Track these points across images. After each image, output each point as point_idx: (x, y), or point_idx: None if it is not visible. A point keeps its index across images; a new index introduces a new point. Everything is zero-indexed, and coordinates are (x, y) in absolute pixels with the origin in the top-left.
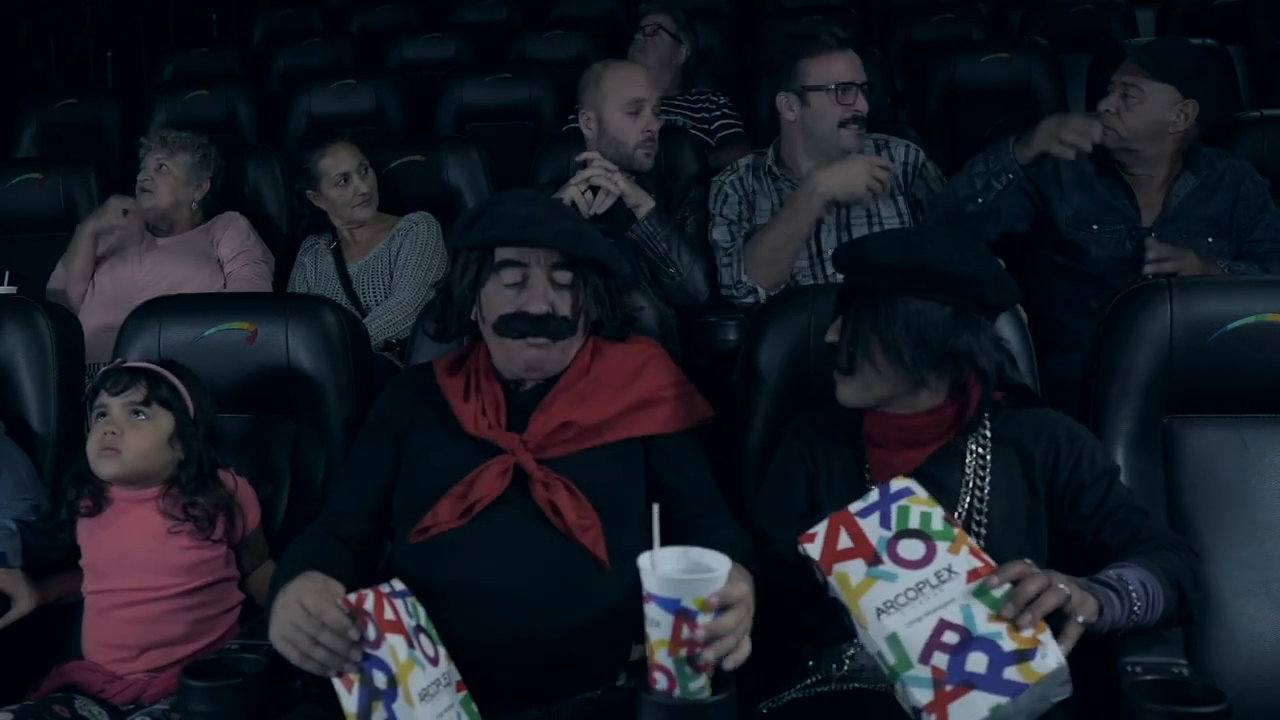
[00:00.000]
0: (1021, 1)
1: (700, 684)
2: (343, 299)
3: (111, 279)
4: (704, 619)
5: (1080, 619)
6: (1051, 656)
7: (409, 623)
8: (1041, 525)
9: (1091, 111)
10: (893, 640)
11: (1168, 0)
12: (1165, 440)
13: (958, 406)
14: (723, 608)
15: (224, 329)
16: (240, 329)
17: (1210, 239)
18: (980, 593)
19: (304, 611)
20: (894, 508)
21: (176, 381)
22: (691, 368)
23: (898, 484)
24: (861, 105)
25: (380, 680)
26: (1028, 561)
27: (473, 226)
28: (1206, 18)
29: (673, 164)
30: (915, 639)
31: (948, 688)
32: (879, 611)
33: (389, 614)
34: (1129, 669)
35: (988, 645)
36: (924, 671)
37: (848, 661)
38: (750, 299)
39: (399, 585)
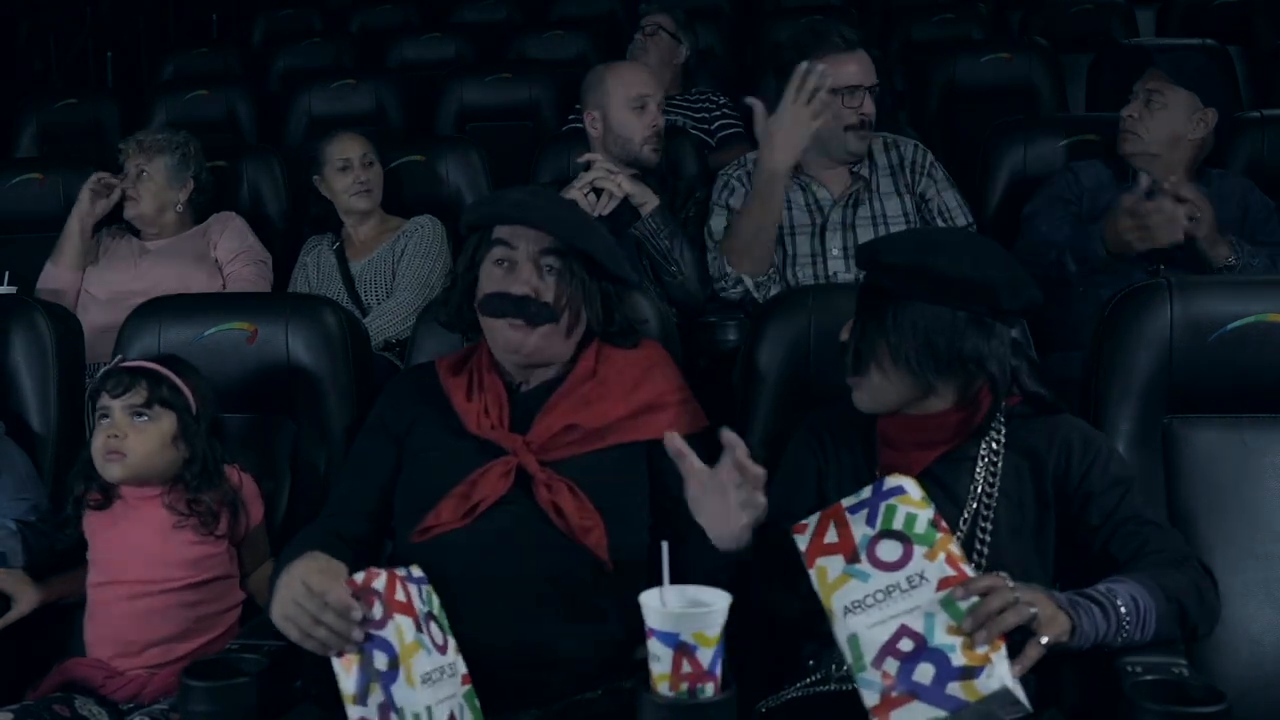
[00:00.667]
0: (1021, 1)
1: None
2: (344, 299)
3: (106, 283)
4: (703, 653)
5: (1044, 640)
6: (996, 678)
7: (420, 608)
8: (1049, 533)
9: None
10: (853, 640)
11: (1168, 0)
12: (1165, 440)
13: (968, 411)
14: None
15: (224, 329)
16: (240, 329)
17: None
18: (946, 603)
19: (307, 590)
20: (882, 506)
21: (177, 380)
22: (691, 368)
23: (891, 481)
24: (868, 109)
25: (381, 662)
26: (1002, 575)
27: (475, 209)
28: (1206, 18)
29: (673, 164)
30: (873, 641)
31: (893, 694)
32: (846, 610)
33: (400, 595)
34: (1129, 669)
35: (939, 657)
36: (875, 675)
37: (844, 668)
38: (738, 289)
39: (417, 572)
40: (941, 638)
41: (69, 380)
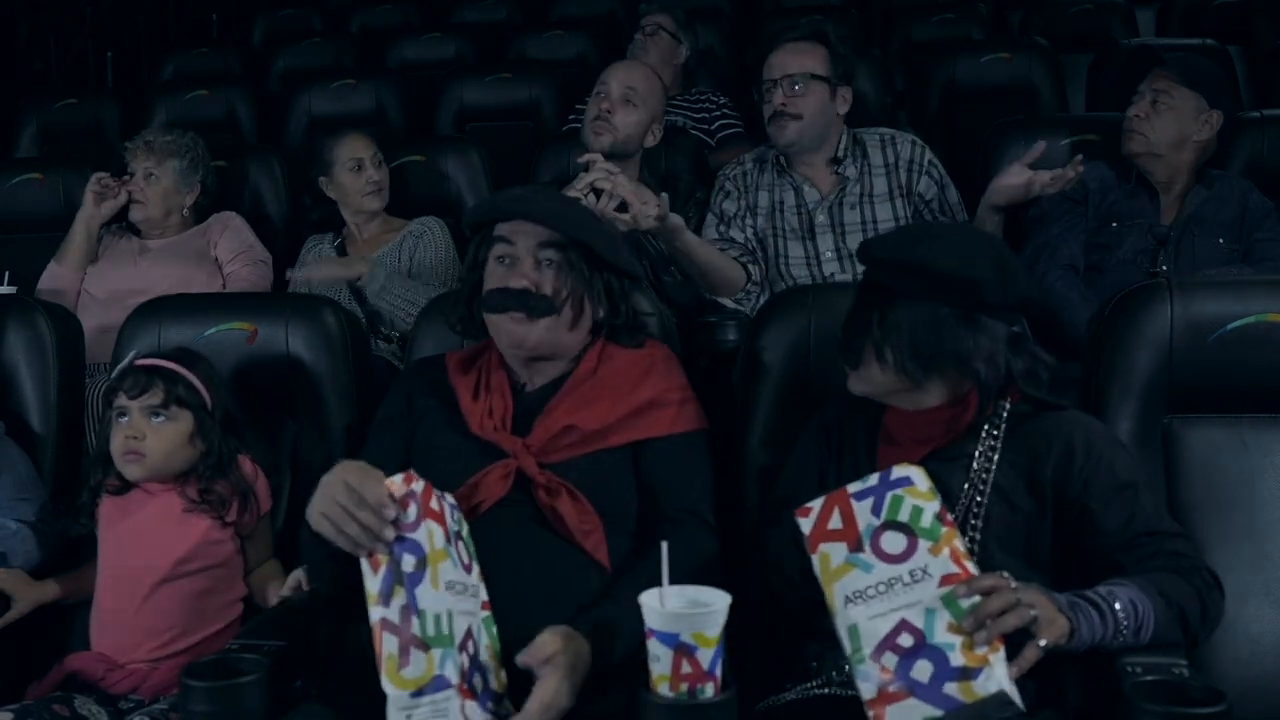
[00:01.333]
0: (1021, 1)
1: None
2: (345, 298)
3: (106, 282)
4: (702, 653)
5: (1042, 642)
6: (994, 680)
7: (451, 526)
8: (1044, 536)
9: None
10: (853, 631)
11: (1168, 0)
12: (1165, 440)
13: (961, 408)
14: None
15: (224, 329)
16: (240, 329)
17: (1221, 240)
18: (948, 600)
19: (346, 487)
20: (888, 496)
21: (192, 378)
22: (691, 368)
23: (899, 471)
24: (779, 99)
25: (409, 564)
26: (1005, 575)
27: (475, 208)
28: (1206, 18)
29: (673, 164)
30: (873, 633)
31: (890, 688)
32: (848, 600)
33: (434, 505)
34: (1129, 669)
35: (937, 655)
36: (873, 668)
37: (845, 669)
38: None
39: (450, 498)
40: (941, 635)
41: (69, 380)
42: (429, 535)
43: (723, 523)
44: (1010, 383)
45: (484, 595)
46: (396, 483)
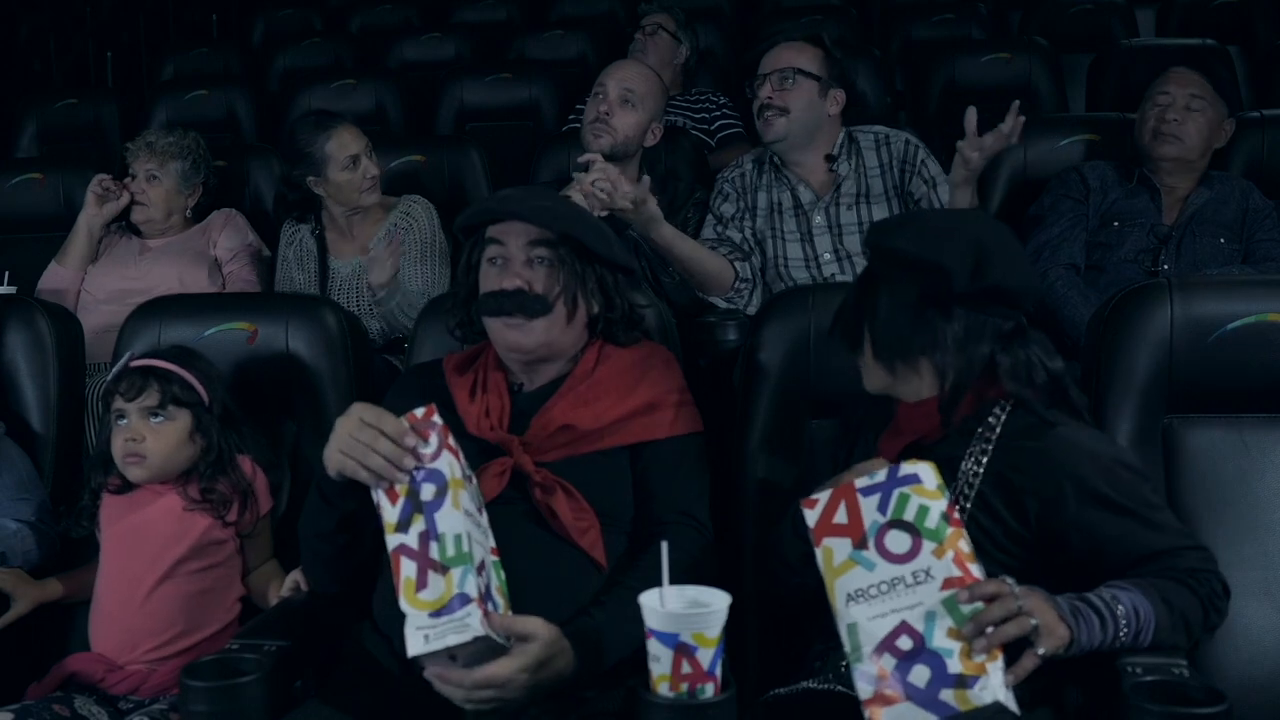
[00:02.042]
0: (1021, 1)
1: None
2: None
3: (106, 282)
4: (702, 653)
5: (1040, 651)
6: (990, 691)
7: (465, 467)
8: (1020, 550)
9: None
10: (852, 629)
11: (1168, 0)
12: (1165, 440)
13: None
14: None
15: (224, 329)
16: (240, 329)
17: (1223, 240)
18: (949, 604)
19: (362, 423)
20: (895, 493)
21: (188, 376)
22: (691, 368)
23: (907, 468)
24: (765, 93)
25: (428, 493)
26: (1008, 581)
27: (466, 212)
28: (1206, 18)
29: (672, 164)
30: (873, 634)
31: (887, 691)
32: (849, 598)
33: (452, 442)
34: (1129, 669)
35: (935, 661)
36: (871, 668)
37: (844, 667)
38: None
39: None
40: (940, 640)
41: (69, 380)
42: (450, 465)
43: (721, 523)
44: (996, 380)
45: (493, 541)
46: (418, 413)
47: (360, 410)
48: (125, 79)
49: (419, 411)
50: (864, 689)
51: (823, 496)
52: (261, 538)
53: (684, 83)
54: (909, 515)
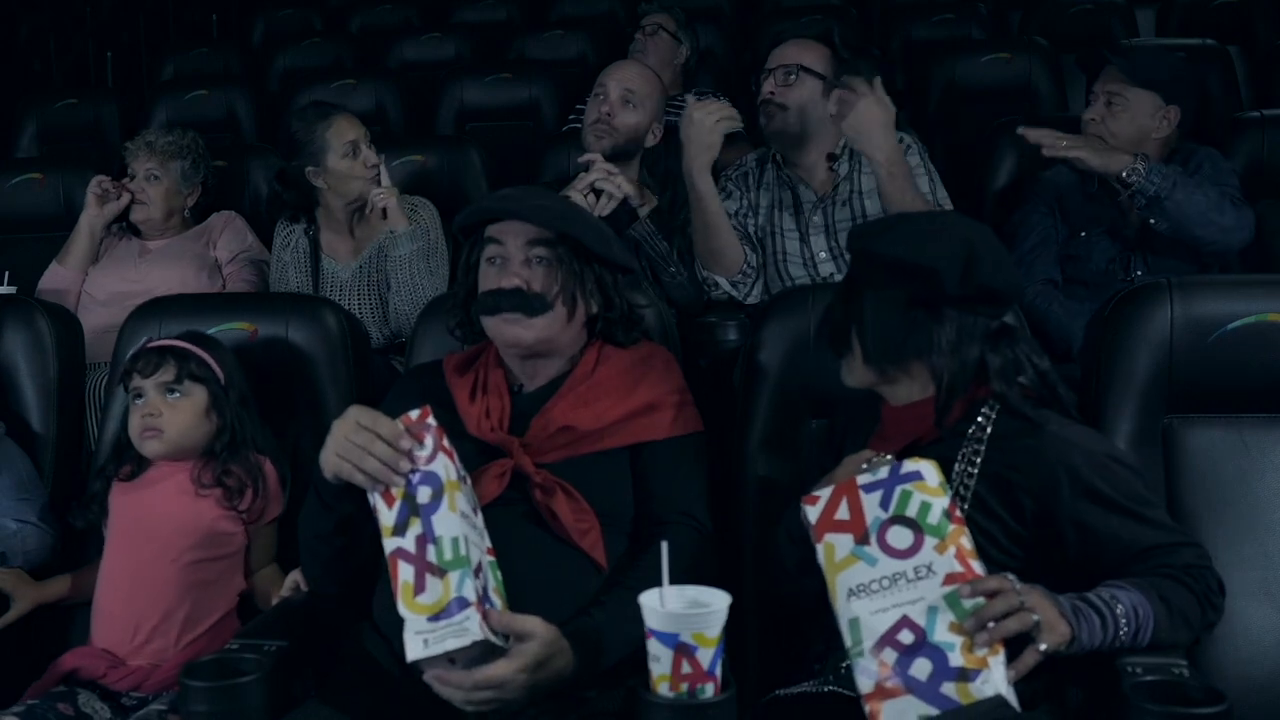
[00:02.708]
0: (1021, 1)
1: None
2: (370, 304)
3: (106, 283)
4: (702, 653)
5: (1042, 647)
6: (992, 684)
7: (460, 469)
8: (1019, 549)
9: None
10: (854, 624)
11: (1168, 0)
12: (1165, 440)
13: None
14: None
15: (224, 329)
16: (240, 329)
17: (1154, 220)
18: (951, 599)
19: (358, 425)
20: (898, 490)
21: (204, 354)
22: (691, 368)
23: (910, 465)
24: (768, 88)
25: (425, 495)
26: (1010, 577)
27: (464, 212)
28: (1206, 18)
29: (673, 164)
30: (874, 628)
31: (888, 684)
32: (850, 593)
33: (446, 444)
34: (1129, 669)
35: (937, 655)
36: (872, 663)
37: (844, 669)
38: (719, 291)
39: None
40: (942, 635)
41: (69, 380)
42: (445, 467)
43: (721, 523)
44: (984, 380)
45: (488, 542)
46: (413, 416)
47: (356, 413)
48: (125, 79)
49: (414, 414)
50: (864, 683)
51: (824, 494)
52: (266, 539)
53: (684, 83)
54: (911, 511)
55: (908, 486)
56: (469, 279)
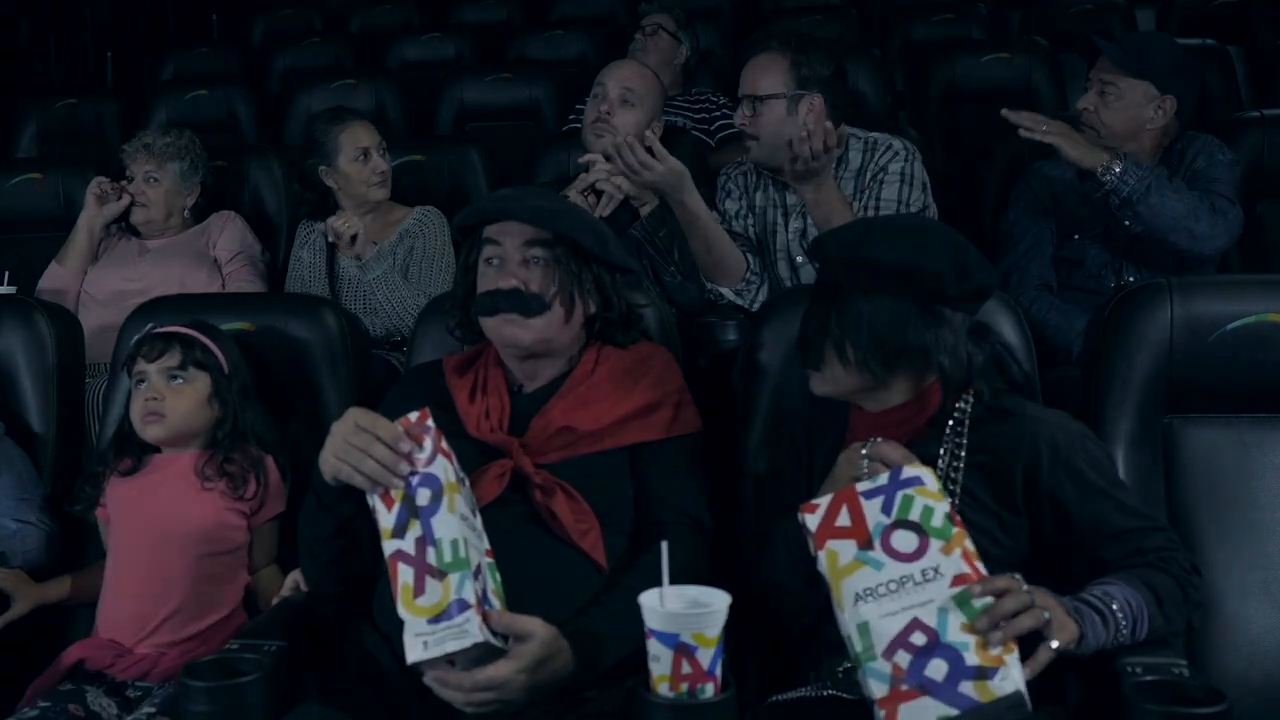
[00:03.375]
0: (1021, 1)
1: None
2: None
3: (105, 283)
4: (702, 653)
5: (1055, 644)
6: (1010, 681)
7: (459, 471)
8: (1017, 539)
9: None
10: (863, 629)
11: (1167, 0)
12: (1165, 440)
13: (923, 404)
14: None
15: (224, 328)
16: (240, 328)
17: (1129, 221)
18: (960, 600)
19: (357, 427)
20: (899, 495)
21: (209, 342)
22: (692, 367)
23: (909, 471)
24: (739, 119)
25: (424, 498)
26: (1016, 577)
27: (462, 213)
28: (1205, 18)
29: None
30: (885, 632)
31: (903, 687)
32: (857, 597)
33: (445, 445)
34: (1129, 669)
35: (952, 654)
36: (885, 666)
37: (841, 674)
38: (724, 301)
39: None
40: (955, 635)
41: (69, 380)
42: (444, 469)
43: (721, 522)
44: (970, 377)
45: (487, 544)
46: (412, 418)
47: (355, 415)
48: (125, 79)
49: (413, 415)
50: (878, 687)
51: (823, 501)
52: (267, 537)
53: (684, 83)
54: (914, 515)
55: (909, 491)
56: (468, 279)
